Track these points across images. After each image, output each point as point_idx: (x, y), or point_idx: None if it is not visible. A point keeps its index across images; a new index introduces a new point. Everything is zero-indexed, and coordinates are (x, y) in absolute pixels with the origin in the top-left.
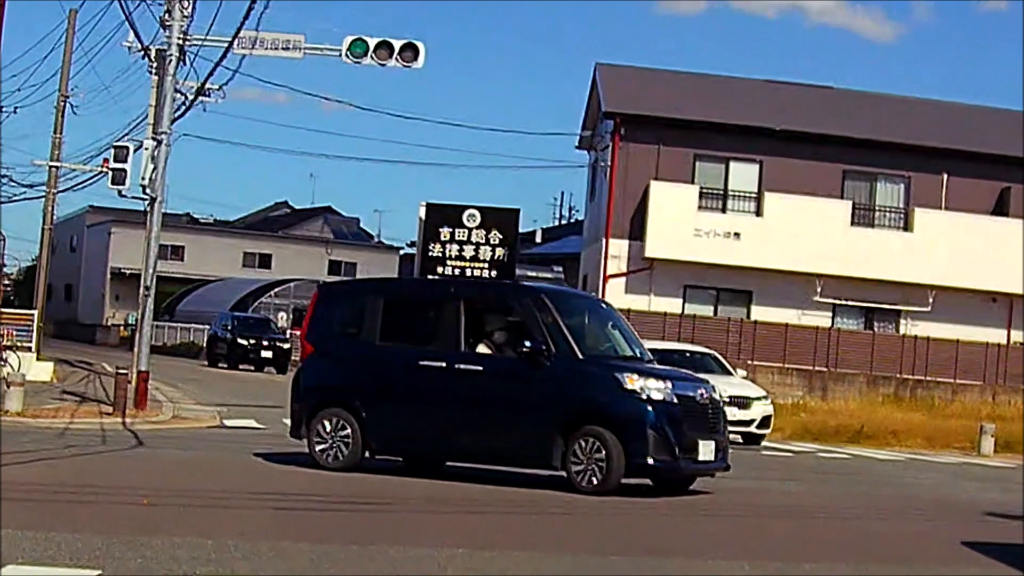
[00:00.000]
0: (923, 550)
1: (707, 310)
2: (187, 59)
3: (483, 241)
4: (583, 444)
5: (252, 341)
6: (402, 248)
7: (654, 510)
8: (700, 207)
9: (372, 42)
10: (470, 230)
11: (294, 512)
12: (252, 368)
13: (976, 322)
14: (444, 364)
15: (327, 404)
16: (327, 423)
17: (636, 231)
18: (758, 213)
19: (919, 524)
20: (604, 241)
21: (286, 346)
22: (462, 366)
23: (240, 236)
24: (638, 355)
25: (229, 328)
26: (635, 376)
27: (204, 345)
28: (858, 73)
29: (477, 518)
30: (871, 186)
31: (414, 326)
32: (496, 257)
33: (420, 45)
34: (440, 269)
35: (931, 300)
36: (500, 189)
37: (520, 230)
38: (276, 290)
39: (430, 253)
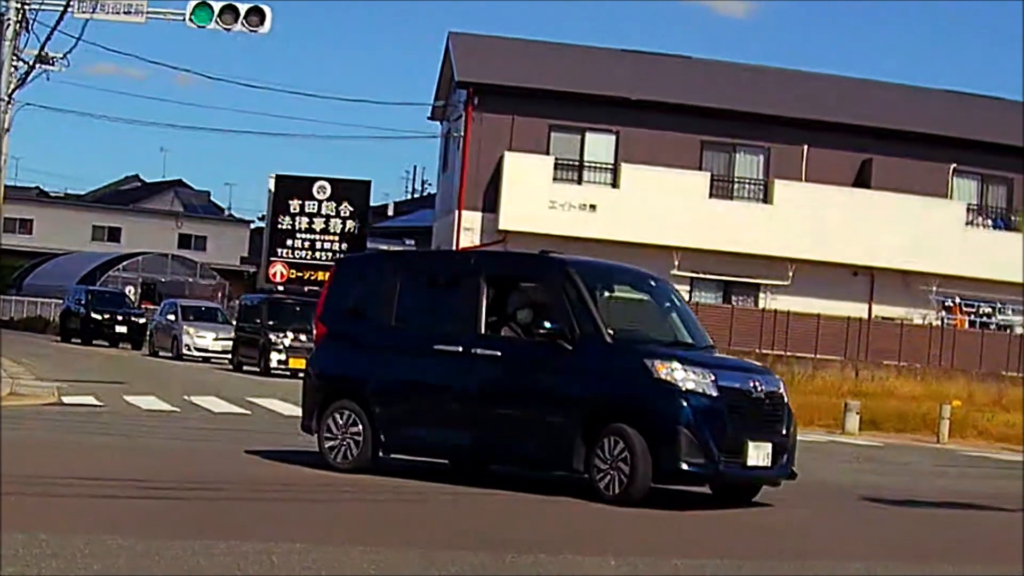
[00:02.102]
0: (812, 540)
1: None
2: (29, 26)
3: (333, 213)
4: (607, 444)
5: (106, 316)
6: (253, 221)
7: (548, 505)
8: (555, 178)
9: (217, 6)
10: (320, 202)
11: (123, 501)
12: (107, 343)
13: (837, 296)
14: (460, 349)
15: (338, 395)
16: (337, 417)
17: (490, 203)
18: (614, 184)
19: (799, 510)
20: (457, 213)
21: (141, 321)
22: (479, 351)
23: (89, 210)
24: (690, 340)
25: (83, 303)
26: (667, 364)
27: (52, 319)
28: (712, 50)
29: (348, 508)
30: (730, 157)
31: (431, 305)
32: (347, 230)
33: (266, 9)
34: (290, 242)
35: (791, 273)
36: (351, 161)
37: (372, 203)
38: (124, 263)
39: (280, 226)
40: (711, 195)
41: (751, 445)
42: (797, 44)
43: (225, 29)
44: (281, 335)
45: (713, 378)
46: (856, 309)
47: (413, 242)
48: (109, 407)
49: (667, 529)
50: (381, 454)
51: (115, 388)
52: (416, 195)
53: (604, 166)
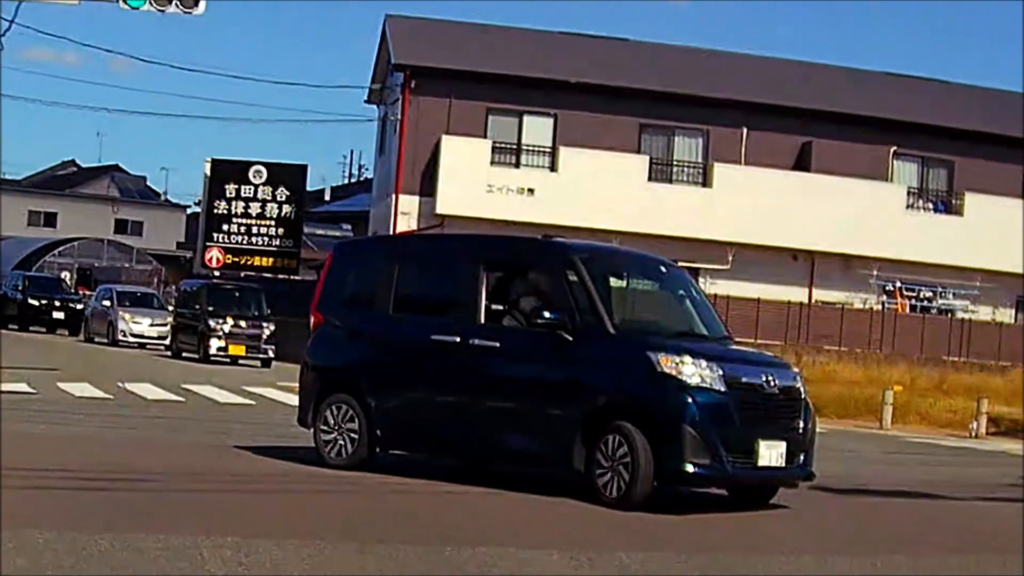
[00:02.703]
0: (759, 532)
1: None
2: None
3: (270, 198)
4: (608, 443)
5: (44, 302)
6: (189, 206)
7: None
8: (493, 162)
9: None
10: (256, 187)
11: (51, 493)
12: (44, 330)
13: (777, 280)
14: (458, 339)
15: (333, 388)
16: (333, 411)
17: (427, 187)
18: (552, 168)
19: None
20: (394, 197)
21: (79, 307)
22: (477, 342)
23: (25, 194)
24: (704, 331)
25: (19, 288)
26: (672, 357)
27: None
28: (653, 35)
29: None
30: (669, 140)
31: (430, 293)
32: (283, 214)
33: None
34: (226, 227)
35: (731, 257)
36: (288, 145)
37: (309, 188)
38: (60, 249)
39: (216, 211)
40: (650, 178)
41: (763, 444)
42: (740, 31)
43: (159, 10)
44: (220, 321)
45: (721, 372)
46: (796, 293)
47: (350, 227)
48: (41, 394)
49: (615, 524)
50: (378, 450)
51: (49, 375)
52: (353, 179)
53: (542, 149)
